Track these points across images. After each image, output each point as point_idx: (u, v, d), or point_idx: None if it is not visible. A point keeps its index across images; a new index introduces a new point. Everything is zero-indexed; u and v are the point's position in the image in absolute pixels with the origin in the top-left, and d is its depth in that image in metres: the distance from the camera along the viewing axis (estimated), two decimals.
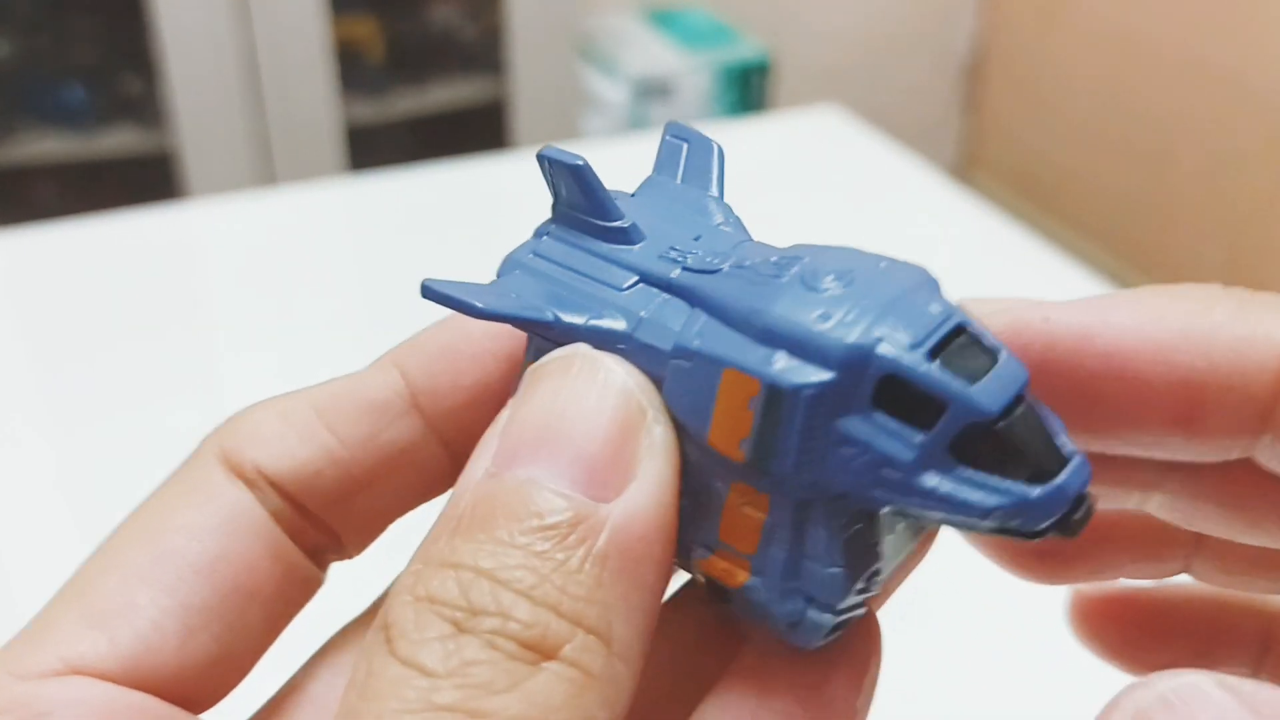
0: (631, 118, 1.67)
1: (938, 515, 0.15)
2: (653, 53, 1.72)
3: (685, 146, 0.20)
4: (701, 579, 0.17)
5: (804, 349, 0.15)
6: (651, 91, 1.67)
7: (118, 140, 1.48)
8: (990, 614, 0.45)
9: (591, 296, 0.18)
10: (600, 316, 0.17)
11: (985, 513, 0.15)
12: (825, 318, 0.15)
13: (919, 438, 0.15)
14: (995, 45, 2.11)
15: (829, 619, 0.16)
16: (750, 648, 0.17)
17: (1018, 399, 0.15)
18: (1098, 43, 1.89)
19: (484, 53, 1.61)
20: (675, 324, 0.17)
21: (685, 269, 0.17)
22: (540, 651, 0.14)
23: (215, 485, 0.19)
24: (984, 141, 2.17)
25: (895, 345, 0.15)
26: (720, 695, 0.17)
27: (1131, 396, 0.17)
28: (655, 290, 0.17)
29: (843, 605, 0.16)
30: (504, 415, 0.16)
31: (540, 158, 0.18)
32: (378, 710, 0.14)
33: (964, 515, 0.15)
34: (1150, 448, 0.18)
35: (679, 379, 0.16)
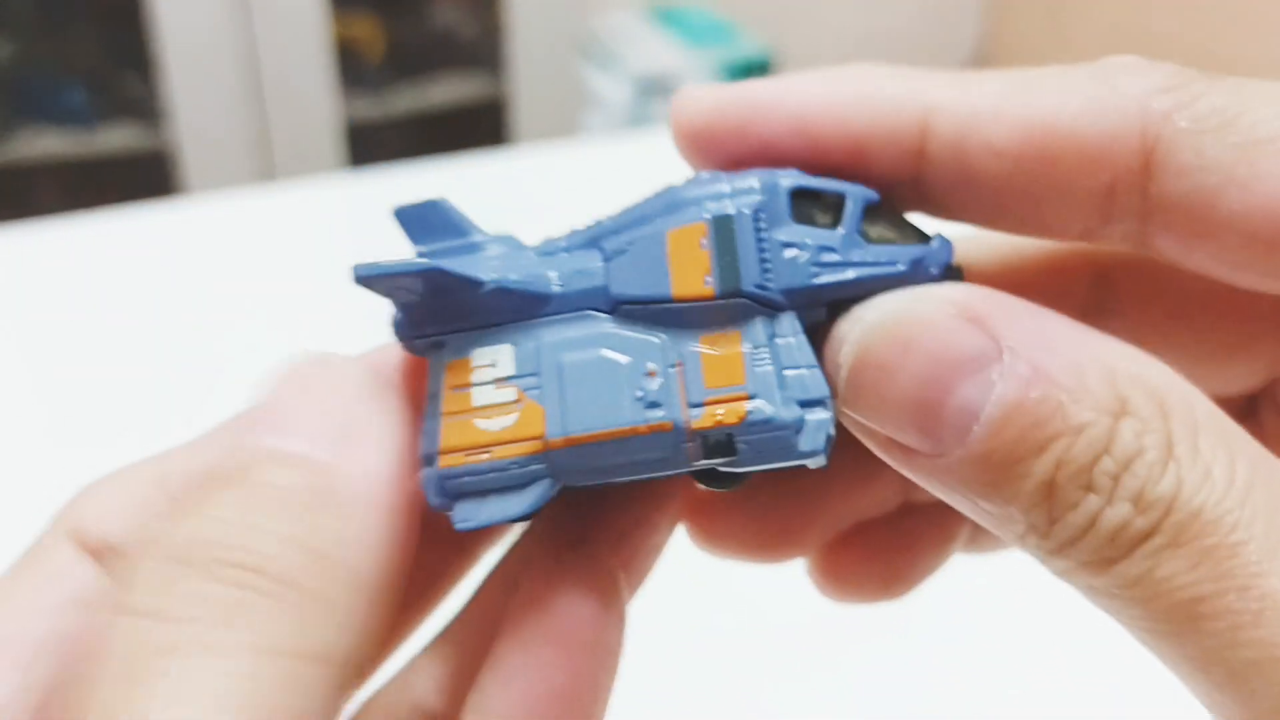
0: (633, 115, 1.66)
1: (867, 283, 0.19)
2: (654, 50, 1.71)
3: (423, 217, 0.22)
4: (701, 457, 0.19)
5: (723, 197, 0.19)
6: (653, 89, 1.67)
7: (118, 139, 1.48)
8: (987, 619, 0.45)
9: (520, 266, 0.20)
10: (530, 280, 0.20)
11: (907, 267, 0.20)
12: (724, 184, 0.20)
13: (838, 228, 0.20)
14: (1000, 45, 2.11)
15: (827, 415, 0.19)
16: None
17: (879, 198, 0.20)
18: (1103, 42, 1.89)
19: (485, 50, 1.61)
20: (595, 256, 0.20)
21: (569, 242, 0.20)
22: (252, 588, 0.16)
23: (62, 563, 0.19)
24: None
25: (789, 177, 0.20)
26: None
27: (815, 149, 0.21)
28: (553, 255, 0.20)
29: (829, 399, 0.19)
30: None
31: (397, 214, 0.21)
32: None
33: (888, 273, 0.19)
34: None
35: (623, 271, 0.19)
